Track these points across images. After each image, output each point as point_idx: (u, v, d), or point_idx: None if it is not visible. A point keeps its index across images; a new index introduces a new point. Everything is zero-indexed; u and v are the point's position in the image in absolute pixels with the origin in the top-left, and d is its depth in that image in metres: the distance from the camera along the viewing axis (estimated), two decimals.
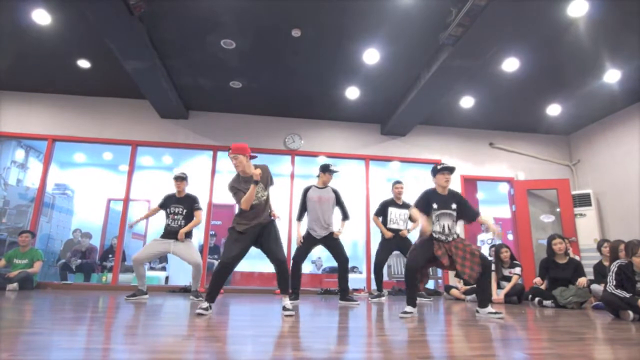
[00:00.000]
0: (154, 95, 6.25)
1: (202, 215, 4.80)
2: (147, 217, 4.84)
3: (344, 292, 4.60)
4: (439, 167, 3.65)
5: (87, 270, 6.93)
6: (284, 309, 3.37)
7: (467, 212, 3.64)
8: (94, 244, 7.54)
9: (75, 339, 2.16)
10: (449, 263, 3.46)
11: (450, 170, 3.61)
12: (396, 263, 7.64)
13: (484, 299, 3.51)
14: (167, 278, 7.11)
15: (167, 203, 4.71)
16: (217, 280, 3.30)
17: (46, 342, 2.00)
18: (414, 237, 4.74)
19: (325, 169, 4.75)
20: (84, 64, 5.80)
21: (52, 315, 3.06)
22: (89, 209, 8.69)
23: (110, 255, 7.23)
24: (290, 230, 6.87)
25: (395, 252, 5.48)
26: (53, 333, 2.26)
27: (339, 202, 4.71)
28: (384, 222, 5.31)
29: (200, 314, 3.14)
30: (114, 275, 6.49)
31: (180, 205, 4.67)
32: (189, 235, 4.68)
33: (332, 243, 4.58)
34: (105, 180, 8.74)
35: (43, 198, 6.70)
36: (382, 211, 5.37)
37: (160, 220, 4.97)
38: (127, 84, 6.14)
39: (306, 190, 4.75)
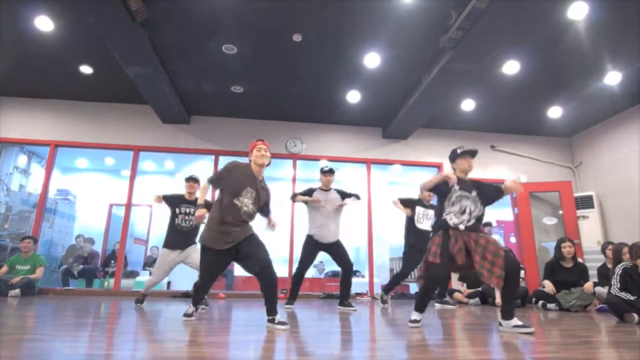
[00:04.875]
0: (156, 100, 6.27)
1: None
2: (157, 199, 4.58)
3: (344, 298, 4.47)
4: (459, 150, 3.19)
5: (89, 276, 6.92)
6: (279, 323, 2.79)
7: (489, 191, 3.18)
8: (96, 250, 7.54)
9: (77, 344, 2.15)
10: (465, 261, 2.88)
11: (473, 153, 3.19)
12: (399, 267, 7.60)
13: (508, 310, 2.84)
14: (168, 283, 7.09)
15: (177, 202, 4.52)
16: (198, 292, 3.30)
17: (49, 348, 1.99)
18: None
19: (320, 172, 4.67)
20: (86, 69, 5.83)
21: (54, 321, 3.05)
22: (91, 214, 8.70)
23: (112, 261, 7.22)
24: (292, 236, 6.85)
25: (399, 256, 5.42)
26: (55, 339, 2.25)
27: (345, 194, 4.59)
28: (410, 219, 5.07)
29: (187, 319, 3.15)
30: (116, 280, 6.48)
31: (192, 206, 4.48)
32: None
33: (336, 250, 4.43)
34: (108, 185, 8.75)
35: (45, 203, 6.70)
36: (411, 204, 5.11)
37: (162, 224, 4.86)
38: (129, 89, 6.16)
39: (312, 190, 4.61)
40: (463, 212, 3.04)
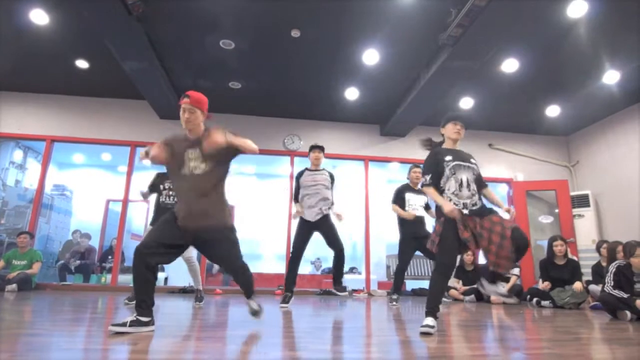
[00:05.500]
0: (153, 95, 6.26)
1: None
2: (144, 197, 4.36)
3: (336, 281, 4.22)
4: (449, 113, 2.95)
5: (86, 271, 6.92)
6: (253, 312, 2.77)
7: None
8: (93, 245, 7.54)
9: (75, 339, 2.17)
10: (477, 245, 2.62)
11: (464, 120, 2.88)
12: (395, 264, 7.63)
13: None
14: (166, 279, 7.11)
15: (160, 181, 4.26)
16: (136, 281, 2.30)
17: (46, 342, 2.01)
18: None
19: (309, 149, 4.45)
20: (82, 64, 5.81)
21: (51, 316, 3.07)
22: (87, 210, 8.69)
23: (109, 256, 7.23)
24: (289, 232, 6.87)
25: (395, 254, 5.39)
26: (53, 334, 2.27)
27: (333, 179, 4.38)
28: (402, 209, 4.76)
29: (118, 332, 2.18)
30: (113, 276, 6.49)
31: None
32: None
33: (326, 230, 4.16)
34: (104, 181, 8.75)
35: (42, 199, 6.69)
36: (399, 198, 4.84)
37: None
38: (125, 84, 6.14)
39: (299, 175, 4.38)
40: (461, 186, 2.70)
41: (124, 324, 2.19)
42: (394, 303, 4.63)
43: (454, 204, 2.66)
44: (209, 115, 2.58)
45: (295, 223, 4.36)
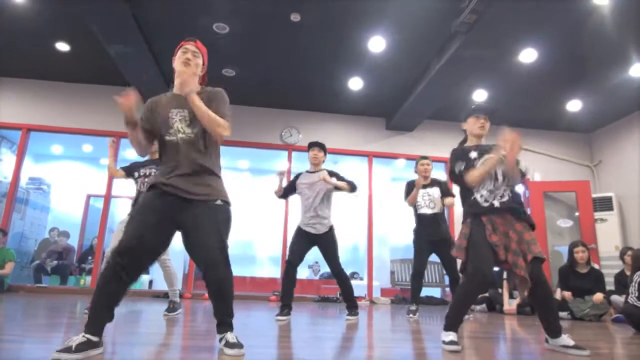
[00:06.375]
0: (140, 82, 6.23)
1: None
2: (111, 164, 4.16)
3: (348, 307, 3.98)
4: (469, 107, 2.86)
5: (64, 273, 6.92)
6: (227, 344, 1.97)
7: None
8: (71, 244, 7.53)
9: (49, 347, 2.15)
10: (506, 256, 2.48)
11: (485, 111, 2.76)
12: (400, 269, 7.65)
13: (551, 328, 2.49)
14: (150, 282, 7.11)
15: (134, 167, 4.03)
16: (99, 287, 1.92)
17: (18, 350, 2.00)
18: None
19: (308, 146, 4.24)
20: (62, 46, 5.78)
21: (24, 322, 3.06)
22: (66, 205, 8.69)
23: (89, 257, 7.22)
24: (285, 233, 6.87)
25: (400, 258, 5.40)
26: (26, 341, 2.26)
27: (340, 179, 4.05)
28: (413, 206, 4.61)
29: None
30: (93, 278, 6.49)
31: (153, 166, 3.86)
32: None
33: (325, 245, 3.96)
34: (85, 174, 8.74)
35: (16, 193, 6.68)
36: (409, 192, 4.59)
37: None
38: (110, 69, 6.10)
39: (297, 176, 4.21)
40: (496, 180, 2.58)
41: (68, 349, 1.75)
42: (411, 315, 4.29)
43: (485, 200, 2.54)
44: (204, 76, 2.48)
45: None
